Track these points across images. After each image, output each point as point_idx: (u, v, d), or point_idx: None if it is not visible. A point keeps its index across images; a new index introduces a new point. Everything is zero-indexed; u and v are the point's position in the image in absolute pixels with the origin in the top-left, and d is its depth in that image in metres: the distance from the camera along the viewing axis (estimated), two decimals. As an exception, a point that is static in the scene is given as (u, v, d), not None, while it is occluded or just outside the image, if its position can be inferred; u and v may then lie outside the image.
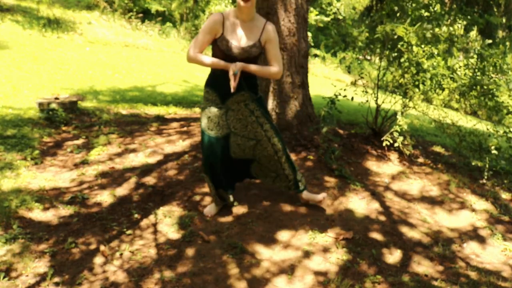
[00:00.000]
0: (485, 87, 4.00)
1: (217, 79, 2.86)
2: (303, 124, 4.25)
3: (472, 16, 4.62)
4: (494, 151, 3.98)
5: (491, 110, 4.18)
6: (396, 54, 4.47)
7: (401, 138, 4.05)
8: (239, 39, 2.77)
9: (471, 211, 3.52)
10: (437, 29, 4.14)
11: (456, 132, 4.33)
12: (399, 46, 4.22)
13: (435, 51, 4.24)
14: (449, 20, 4.16)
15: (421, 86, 4.26)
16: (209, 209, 3.15)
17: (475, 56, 4.12)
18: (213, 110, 2.90)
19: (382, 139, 4.22)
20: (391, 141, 4.16)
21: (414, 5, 4.24)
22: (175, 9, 14.09)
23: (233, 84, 2.70)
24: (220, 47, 2.77)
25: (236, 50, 2.76)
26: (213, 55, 2.85)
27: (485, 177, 4.04)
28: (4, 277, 2.30)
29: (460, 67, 4.22)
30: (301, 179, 3.19)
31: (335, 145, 4.16)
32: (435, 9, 4.21)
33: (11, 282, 2.28)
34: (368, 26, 4.91)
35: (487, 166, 3.99)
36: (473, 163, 4.05)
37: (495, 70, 3.98)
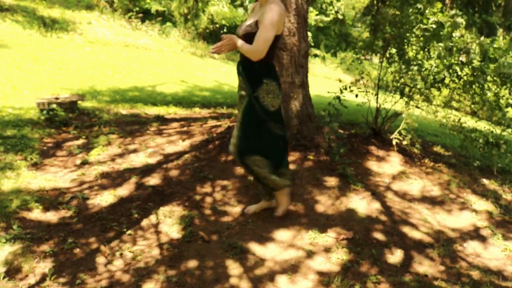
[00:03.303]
0: (481, 80, 3.97)
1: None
2: (303, 124, 4.24)
3: (471, 16, 4.62)
4: (503, 145, 3.97)
5: (492, 108, 4.17)
6: (397, 53, 4.46)
7: (409, 136, 4.06)
8: (248, 21, 2.83)
9: (471, 211, 3.52)
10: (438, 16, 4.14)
11: (459, 129, 4.32)
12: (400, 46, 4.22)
13: (434, 52, 4.24)
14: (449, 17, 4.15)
15: (421, 84, 4.25)
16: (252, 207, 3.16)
17: (478, 58, 4.10)
18: None
19: (391, 137, 4.22)
20: (401, 139, 4.17)
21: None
22: (175, 9, 14.09)
23: (213, 49, 2.71)
24: None
25: (239, 29, 2.84)
26: None
27: (495, 172, 4.04)
28: (4, 278, 2.29)
29: (461, 64, 4.20)
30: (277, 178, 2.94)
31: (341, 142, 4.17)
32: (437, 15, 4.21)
33: (11, 282, 2.28)
34: (369, 25, 4.91)
35: (497, 160, 4.00)
36: (476, 163, 4.04)
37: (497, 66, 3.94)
